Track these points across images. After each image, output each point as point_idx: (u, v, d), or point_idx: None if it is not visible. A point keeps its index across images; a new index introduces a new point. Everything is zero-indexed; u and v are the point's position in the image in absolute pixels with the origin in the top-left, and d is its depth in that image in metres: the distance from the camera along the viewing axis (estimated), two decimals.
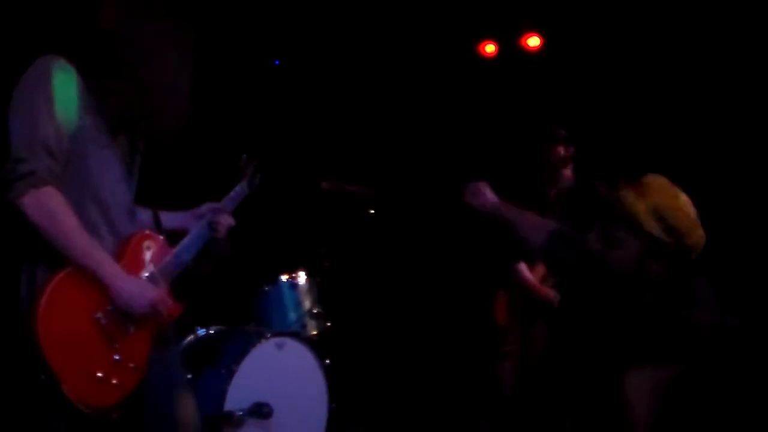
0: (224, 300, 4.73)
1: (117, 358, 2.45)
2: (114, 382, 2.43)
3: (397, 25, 6.37)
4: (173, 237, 2.82)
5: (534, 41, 6.36)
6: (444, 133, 6.36)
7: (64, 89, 2.42)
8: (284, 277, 4.65)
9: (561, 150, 4.72)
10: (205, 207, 2.94)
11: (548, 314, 4.68)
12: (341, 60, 6.54)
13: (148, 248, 2.60)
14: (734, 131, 5.48)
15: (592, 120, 6.17)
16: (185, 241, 2.78)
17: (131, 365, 2.49)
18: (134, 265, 2.56)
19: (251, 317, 4.64)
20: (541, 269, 4.75)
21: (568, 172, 4.75)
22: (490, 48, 6.56)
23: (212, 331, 4.34)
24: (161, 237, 2.70)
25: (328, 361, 4.33)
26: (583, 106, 6.22)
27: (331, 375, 4.33)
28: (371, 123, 6.72)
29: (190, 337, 4.28)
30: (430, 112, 6.59)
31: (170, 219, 2.88)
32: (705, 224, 2.76)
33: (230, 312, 4.60)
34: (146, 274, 2.59)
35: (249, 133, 6.18)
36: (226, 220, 2.91)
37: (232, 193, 2.97)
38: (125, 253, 2.55)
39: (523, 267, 4.70)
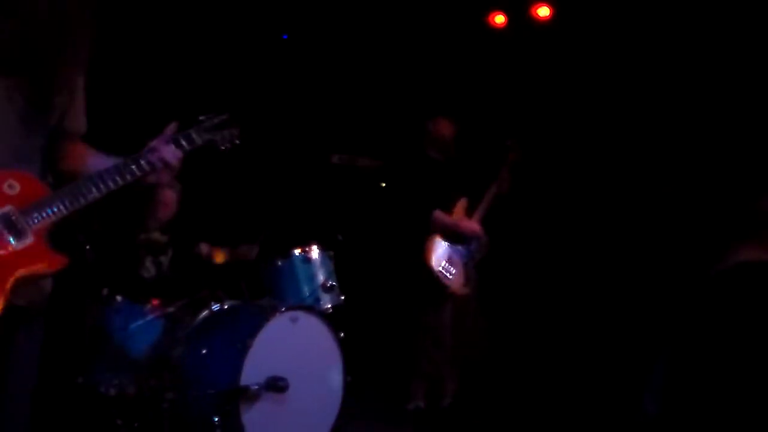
0: (238, 274, 4.72)
1: None
2: None
3: None
4: None
5: (544, 11, 6.31)
6: (454, 105, 6.32)
7: None
8: (297, 251, 4.64)
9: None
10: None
11: None
12: (350, 33, 6.50)
13: (10, 187, 2.25)
14: (744, 107, 5.43)
15: (605, 89, 6.14)
16: (78, 183, 2.35)
17: None
18: None
19: (265, 292, 4.64)
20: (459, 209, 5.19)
21: None
22: (499, 19, 6.52)
23: (226, 306, 4.34)
24: (35, 179, 2.31)
25: (342, 335, 4.33)
26: (593, 76, 6.18)
27: (345, 348, 4.34)
28: (381, 96, 6.69)
29: (205, 312, 4.29)
30: (441, 84, 6.56)
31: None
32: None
33: (244, 286, 4.59)
34: None
35: (259, 108, 6.16)
36: (168, 153, 2.40)
37: (184, 132, 2.49)
38: None
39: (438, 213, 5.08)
